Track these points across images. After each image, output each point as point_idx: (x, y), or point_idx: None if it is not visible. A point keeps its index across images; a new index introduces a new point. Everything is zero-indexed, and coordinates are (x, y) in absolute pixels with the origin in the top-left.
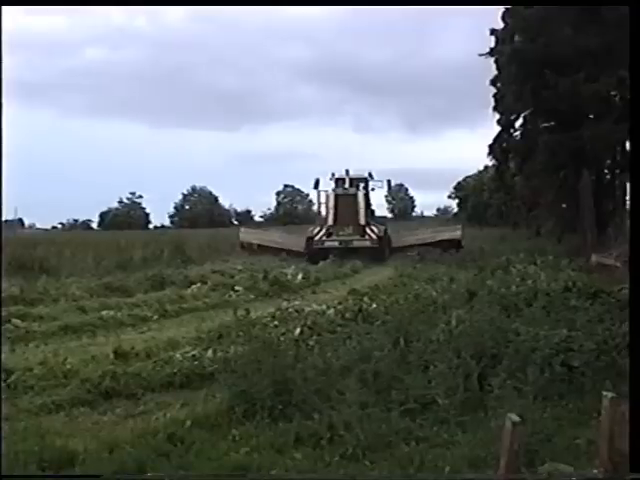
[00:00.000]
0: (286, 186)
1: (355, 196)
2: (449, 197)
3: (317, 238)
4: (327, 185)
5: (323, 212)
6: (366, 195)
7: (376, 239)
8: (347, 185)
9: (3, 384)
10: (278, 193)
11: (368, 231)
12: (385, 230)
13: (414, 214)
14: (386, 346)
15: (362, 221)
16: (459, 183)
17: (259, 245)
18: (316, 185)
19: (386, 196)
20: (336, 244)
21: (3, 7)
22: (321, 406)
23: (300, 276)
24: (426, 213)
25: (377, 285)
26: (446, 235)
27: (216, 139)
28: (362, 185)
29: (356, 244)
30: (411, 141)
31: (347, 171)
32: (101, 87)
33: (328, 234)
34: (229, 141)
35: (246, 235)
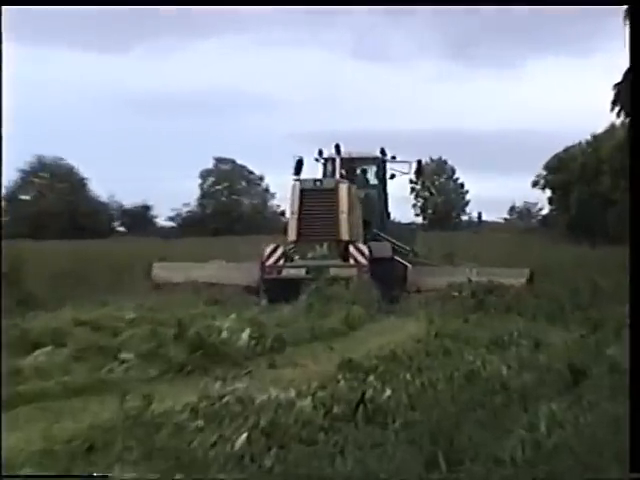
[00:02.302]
0: (220, 161)
1: (333, 192)
2: (534, 185)
3: (271, 262)
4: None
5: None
6: (381, 188)
7: (366, 265)
8: (337, 169)
9: None
10: (204, 176)
11: (354, 251)
12: (393, 249)
13: (466, 216)
14: (412, 471)
15: (344, 234)
16: (555, 160)
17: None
18: (297, 169)
19: (416, 183)
20: (302, 273)
21: (3, 7)
22: None
23: (246, 334)
24: (490, 216)
25: (393, 353)
26: (502, 280)
27: (80, 64)
28: (371, 169)
29: (334, 272)
30: (458, 78)
31: (337, 147)
32: None
33: (290, 256)
34: (104, 69)
35: (163, 271)
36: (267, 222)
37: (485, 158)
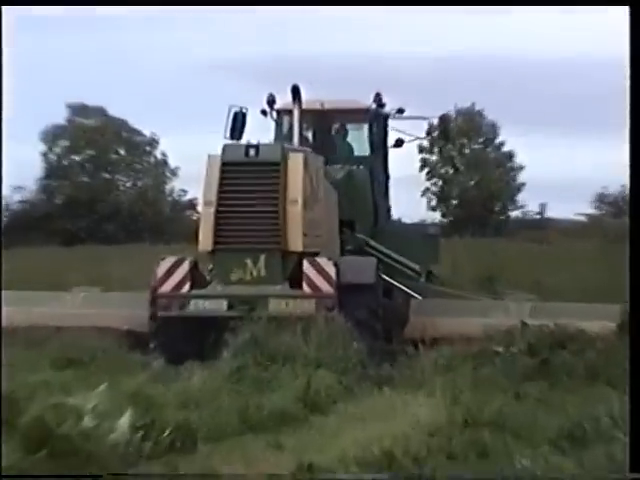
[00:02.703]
0: (78, 110)
1: (277, 168)
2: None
3: (169, 290)
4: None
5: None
6: (376, 163)
7: (332, 295)
8: (296, 130)
9: None
10: (49, 138)
11: (310, 272)
12: (391, 269)
13: (519, 210)
14: None
15: (294, 242)
16: None
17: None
18: (234, 129)
19: (431, 153)
20: (222, 307)
21: (3, 7)
22: None
23: (125, 421)
24: (561, 210)
25: (388, 455)
26: (581, 323)
27: None
28: (359, 131)
29: (275, 307)
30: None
31: (295, 90)
32: None
33: (203, 279)
34: None
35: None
36: (165, 220)
37: (552, 106)
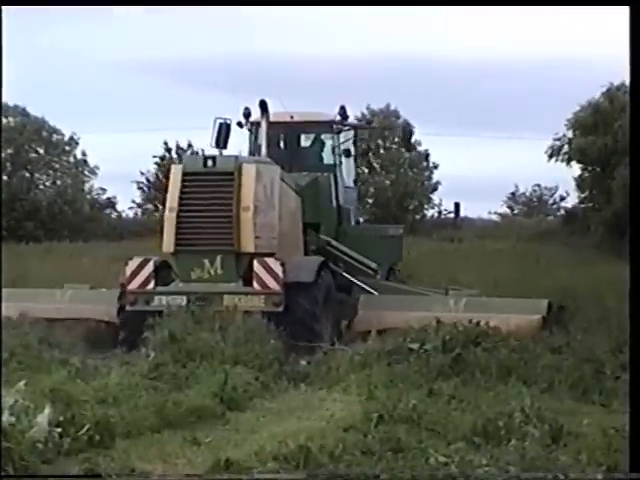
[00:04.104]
0: None
1: (231, 177)
2: (551, 157)
3: (136, 287)
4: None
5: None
6: (340, 170)
7: (279, 292)
8: (264, 141)
9: None
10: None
11: (259, 271)
12: (351, 267)
13: (434, 209)
14: None
15: (247, 243)
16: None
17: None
18: (219, 140)
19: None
20: (182, 302)
21: (3, 7)
22: None
23: (45, 417)
24: (474, 210)
25: (304, 450)
26: (493, 321)
27: None
28: (325, 141)
29: (229, 302)
30: None
31: (262, 104)
32: None
33: (166, 277)
34: None
35: None
36: (84, 218)
37: (466, 107)
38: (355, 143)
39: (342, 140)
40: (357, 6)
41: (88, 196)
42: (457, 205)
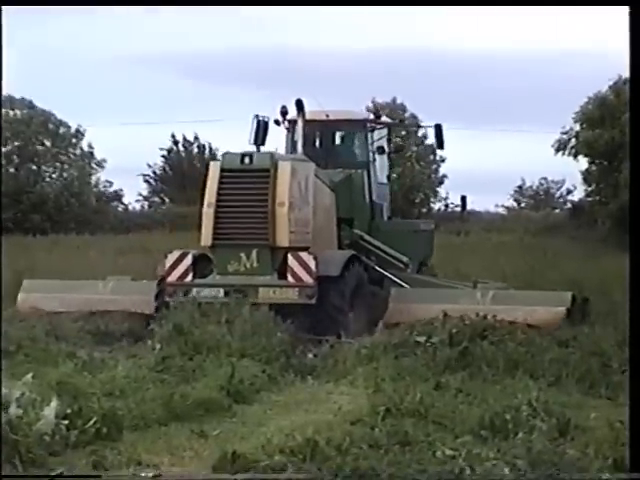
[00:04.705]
0: (4, 102)
1: (267, 174)
2: (558, 150)
3: (175, 279)
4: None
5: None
6: (373, 167)
7: (312, 285)
8: (300, 139)
9: None
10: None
11: (294, 264)
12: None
13: (441, 202)
14: None
15: (282, 238)
16: (595, 104)
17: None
18: (258, 136)
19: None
20: (219, 294)
21: (3, 7)
22: None
23: (52, 410)
24: (481, 203)
25: (311, 443)
26: (519, 313)
27: None
28: (358, 139)
29: (264, 295)
30: None
31: (299, 103)
32: None
33: (203, 270)
34: None
35: (31, 295)
36: (91, 211)
37: (472, 101)
38: (388, 141)
39: (375, 138)
40: (357, 6)
41: (95, 189)
42: (464, 198)
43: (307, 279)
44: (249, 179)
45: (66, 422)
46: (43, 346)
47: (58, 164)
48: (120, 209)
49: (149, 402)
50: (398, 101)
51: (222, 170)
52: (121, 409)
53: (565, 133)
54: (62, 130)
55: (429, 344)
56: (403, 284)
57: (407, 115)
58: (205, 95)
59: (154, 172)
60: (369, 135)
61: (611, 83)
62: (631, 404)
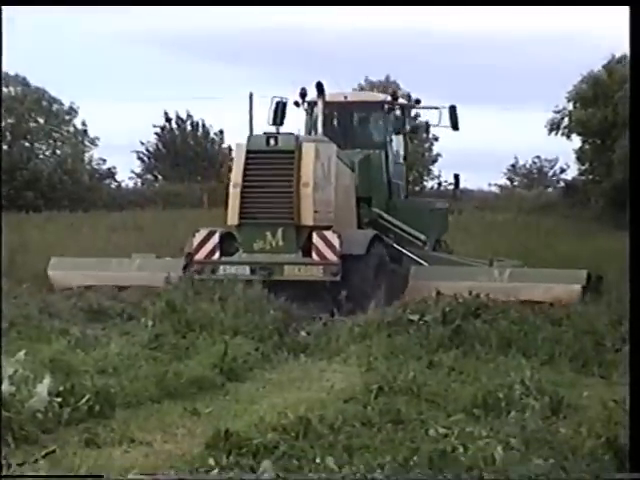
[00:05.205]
0: None
1: (292, 155)
2: (552, 130)
3: (203, 257)
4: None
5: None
6: (390, 147)
7: (336, 263)
8: (320, 120)
9: None
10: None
11: (318, 243)
12: (401, 239)
13: (434, 181)
14: None
15: (306, 217)
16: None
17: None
18: (276, 117)
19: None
20: (246, 272)
21: (3, 7)
22: None
23: (44, 387)
24: (474, 181)
25: (304, 421)
26: (536, 290)
27: None
28: (376, 120)
29: (289, 272)
30: None
31: (319, 86)
32: None
33: (230, 248)
34: None
35: (61, 271)
36: (84, 188)
37: (466, 79)
38: (404, 122)
39: (392, 119)
40: (357, 6)
41: (88, 166)
42: (457, 177)
43: (331, 257)
44: (274, 160)
45: (59, 399)
46: (36, 323)
47: (51, 141)
48: (113, 186)
49: (142, 380)
50: (391, 79)
51: (248, 151)
52: (114, 386)
53: (558, 112)
54: (55, 107)
55: (422, 322)
56: (422, 262)
57: (400, 93)
58: (198, 72)
59: (147, 149)
60: (386, 116)
61: (605, 62)
62: (631, 404)
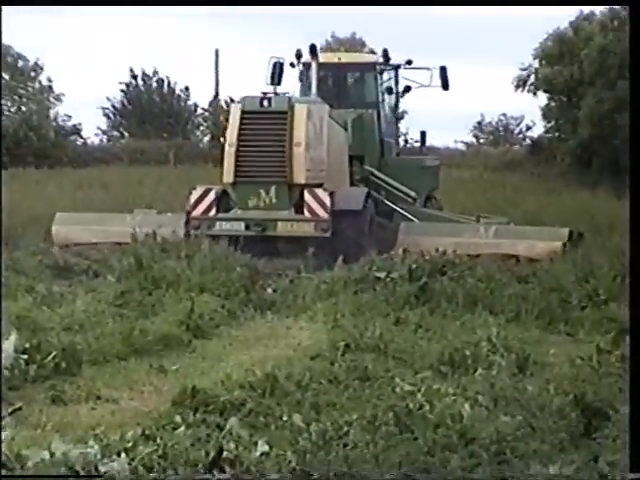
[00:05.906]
0: None
1: (284, 116)
2: (518, 87)
3: (199, 214)
4: None
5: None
6: (382, 107)
7: (327, 220)
8: (314, 81)
9: None
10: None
11: (310, 200)
12: (392, 196)
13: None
14: None
15: (298, 176)
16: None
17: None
18: (274, 77)
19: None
20: (240, 228)
21: (3, 7)
22: None
23: (11, 344)
24: (440, 139)
25: (271, 378)
26: (520, 247)
27: None
28: (368, 81)
29: (282, 229)
30: None
31: (312, 48)
32: None
33: (225, 205)
34: None
35: (64, 227)
36: (49, 145)
37: (430, 35)
38: (396, 82)
39: (385, 79)
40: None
41: (53, 123)
42: (423, 134)
43: (322, 214)
44: (268, 121)
45: (25, 356)
46: (2, 280)
47: (17, 97)
48: (79, 143)
49: (108, 337)
50: (357, 36)
51: (243, 112)
52: (80, 343)
53: (525, 69)
54: (21, 63)
55: (389, 279)
56: (412, 218)
57: (366, 50)
58: (165, 30)
59: (113, 106)
60: (378, 77)
61: (572, 19)
62: (631, 404)
